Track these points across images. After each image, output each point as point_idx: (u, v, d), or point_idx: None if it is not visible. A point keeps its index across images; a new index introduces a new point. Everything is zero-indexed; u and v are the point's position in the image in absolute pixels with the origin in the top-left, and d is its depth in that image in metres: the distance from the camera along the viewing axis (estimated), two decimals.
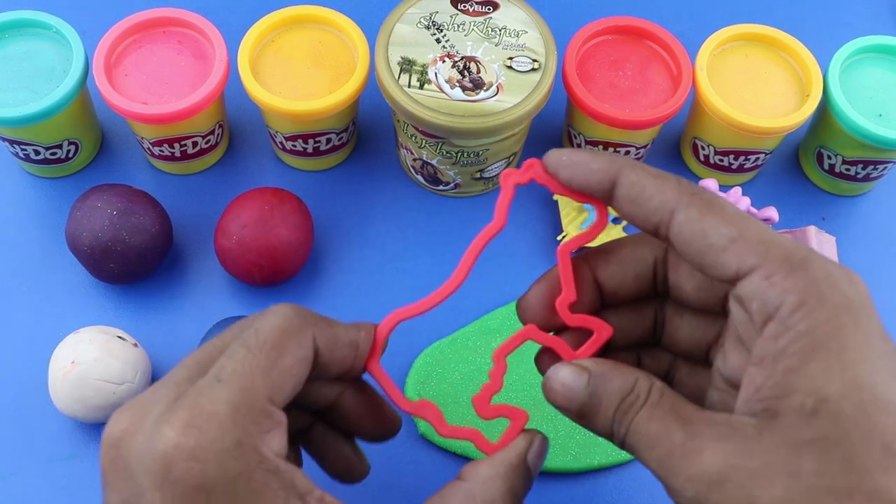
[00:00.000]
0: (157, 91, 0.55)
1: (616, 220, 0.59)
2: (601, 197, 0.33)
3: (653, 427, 0.31)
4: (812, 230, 0.56)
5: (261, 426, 0.31)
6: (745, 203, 0.51)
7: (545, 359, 0.36)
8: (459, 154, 0.54)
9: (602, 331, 0.36)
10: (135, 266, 0.53)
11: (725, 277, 0.31)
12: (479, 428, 0.37)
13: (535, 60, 0.53)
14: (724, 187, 0.53)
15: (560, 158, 0.34)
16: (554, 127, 0.63)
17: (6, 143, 0.57)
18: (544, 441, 0.36)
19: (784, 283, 0.29)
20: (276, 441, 0.31)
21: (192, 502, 0.29)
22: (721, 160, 0.59)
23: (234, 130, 0.62)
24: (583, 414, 0.33)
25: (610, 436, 0.33)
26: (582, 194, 0.34)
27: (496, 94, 0.52)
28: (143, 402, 0.32)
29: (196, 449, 0.29)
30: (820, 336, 0.29)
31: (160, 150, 0.57)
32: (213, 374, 0.31)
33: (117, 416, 0.32)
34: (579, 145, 0.59)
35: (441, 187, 0.59)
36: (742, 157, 0.58)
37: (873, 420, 0.28)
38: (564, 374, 0.33)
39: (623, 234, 0.58)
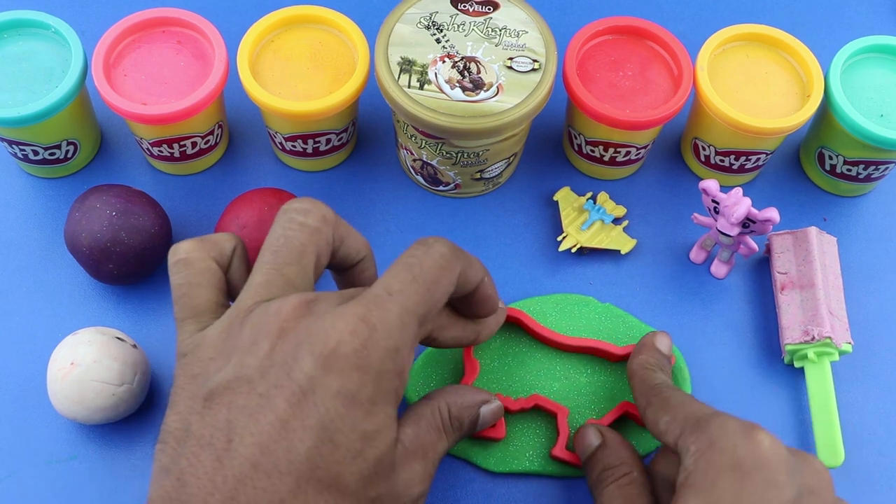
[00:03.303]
0: (157, 91, 0.54)
1: (617, 221, 0.59)
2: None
3: (614, 501, 0.43)
4: (813, 231, 0.55)
5: (413, 340, 0.38)
6: (745, 204, 0.51)
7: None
8: (459, 154, 0.54)
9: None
10: (134, 267, 0.53)
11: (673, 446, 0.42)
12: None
13: (535, 61, 0.53)
14: (725, 188, 0.53)
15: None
16: (554, 127, 0.63)
17: (5, 144, 0.57)
18: (499, 407, 0.46)
19: (688, 439, 0.40)
20: (413, 354, 0.39)
21: (347, 378, 0.36)
22: (722, 160, 0.59)
23: (234, 131, 0.62)
24: (584, 464, 0.47)
25: (593, 491, 0.45)
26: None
27: (496, 94, 0.52)
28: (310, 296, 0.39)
29: (368, 340, 0.36)
30: (700, 475, 0.39)
31: (159, 151, 0.57)
32: (383, 287, 0.38)
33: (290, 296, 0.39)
34: (580, 145, 0.59)
35: (441, 188, 0.59)
36: (743, 158, 0.58)
37: None
38: (590, 431, 0.47)
39: (623, 235, 0.58)
